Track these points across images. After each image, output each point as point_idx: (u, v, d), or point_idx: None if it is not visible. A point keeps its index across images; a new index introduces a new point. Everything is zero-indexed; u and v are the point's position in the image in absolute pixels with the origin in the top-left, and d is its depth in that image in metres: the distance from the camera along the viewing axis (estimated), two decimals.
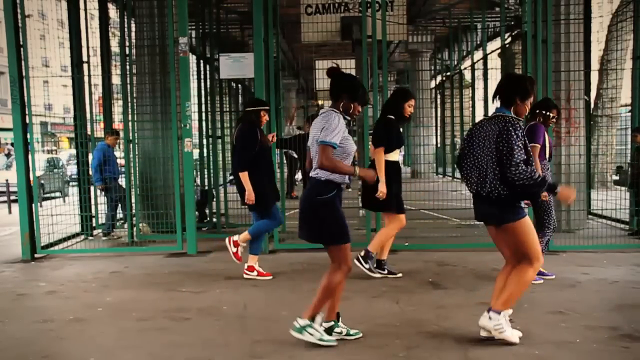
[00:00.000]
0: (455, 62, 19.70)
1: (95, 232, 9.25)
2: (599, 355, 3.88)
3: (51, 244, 8.02)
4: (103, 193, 9.29)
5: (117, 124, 10.14)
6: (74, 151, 10.38)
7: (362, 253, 5.98)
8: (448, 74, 19.70)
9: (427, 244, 7.64)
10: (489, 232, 4.18)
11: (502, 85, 4.14)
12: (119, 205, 9.36)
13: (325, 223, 3.97)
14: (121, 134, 9.29)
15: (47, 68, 25.15)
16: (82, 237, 8.93)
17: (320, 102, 23.97)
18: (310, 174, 4.05)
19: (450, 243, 7.91)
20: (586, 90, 9.06)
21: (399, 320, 4.71)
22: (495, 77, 15.00)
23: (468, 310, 4.91)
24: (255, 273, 6.12)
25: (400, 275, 6.07)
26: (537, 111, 5.77)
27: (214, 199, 9.99)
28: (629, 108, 8.95)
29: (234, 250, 5.94)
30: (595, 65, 11.42)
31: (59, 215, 8.22)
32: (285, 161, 11.57)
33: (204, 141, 10.27)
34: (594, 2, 9.57)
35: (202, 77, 10.36)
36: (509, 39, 14.61)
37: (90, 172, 9.18)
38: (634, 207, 8.23)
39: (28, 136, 7.55)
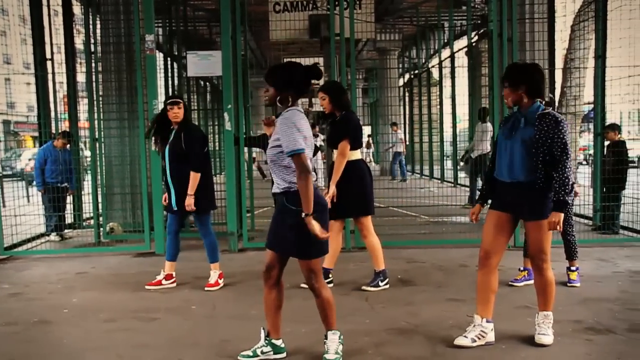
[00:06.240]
0: (423, 61, 19.89)
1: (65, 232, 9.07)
2: (562, 348, 3.97)
3: (15, 245, 7.86)
4: (41, 196, 8.86)
5: (83, 123, 9.96)
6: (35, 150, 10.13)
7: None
8: (416, 72, 19.88)
9: (396, 241, 7.67)
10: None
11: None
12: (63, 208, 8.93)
13: None
14: (85, 132, 9.11)
15: (9, 65, 24.67)
16: (47, 238, 8.77)
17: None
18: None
19: (419, 240, 7.99)
20: (551, 88, 9.22)
21: (368, 317, 4.74)
22: (462, 75, 15.21)
23: (437, 307, 4.97)
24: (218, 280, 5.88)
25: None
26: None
27: None
28: (592, 106, 9.12)
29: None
30: (559, 63, 11.61)
31: (23, 216, 8.06)
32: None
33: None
34: (558, 2, 9.73)
35: (169, 75, 10.27)
36: (476, 38, 14.80)
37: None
38: (599, 203, 8.39)
39: None
